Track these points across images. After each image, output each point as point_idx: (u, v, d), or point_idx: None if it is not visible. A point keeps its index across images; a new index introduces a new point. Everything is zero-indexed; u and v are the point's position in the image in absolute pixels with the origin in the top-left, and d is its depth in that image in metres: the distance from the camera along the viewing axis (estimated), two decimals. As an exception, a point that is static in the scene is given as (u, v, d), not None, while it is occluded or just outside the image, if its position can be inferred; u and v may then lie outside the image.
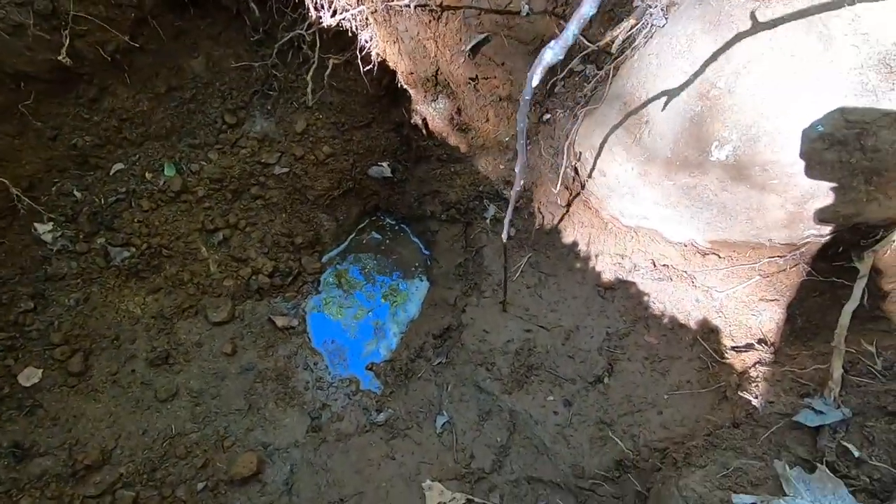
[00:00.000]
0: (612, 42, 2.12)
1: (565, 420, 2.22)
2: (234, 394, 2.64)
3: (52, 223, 2.68)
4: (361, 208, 3.22)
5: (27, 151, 2.57)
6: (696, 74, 1.68)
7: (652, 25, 1.91)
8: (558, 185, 2.41)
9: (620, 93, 2.05)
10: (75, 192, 2.73)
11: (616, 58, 2.15)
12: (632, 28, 2.03)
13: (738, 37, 1.55)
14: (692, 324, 2.24)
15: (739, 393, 1.85)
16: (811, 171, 1.59)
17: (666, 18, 1.87)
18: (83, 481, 2.29)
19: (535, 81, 1.39)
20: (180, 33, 2.82)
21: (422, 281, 3.15)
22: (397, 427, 2.55)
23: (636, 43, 2.01)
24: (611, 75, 2.14)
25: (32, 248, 2.63)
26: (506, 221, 2.01)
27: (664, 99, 1.83)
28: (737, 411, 1.82)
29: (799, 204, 1.66)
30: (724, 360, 2.07)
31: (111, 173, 2.81)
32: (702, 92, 1.69)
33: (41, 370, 2.48)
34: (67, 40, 2.39)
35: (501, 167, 2.75)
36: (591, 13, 1.13)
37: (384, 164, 3.09)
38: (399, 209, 3.23)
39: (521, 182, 1.82)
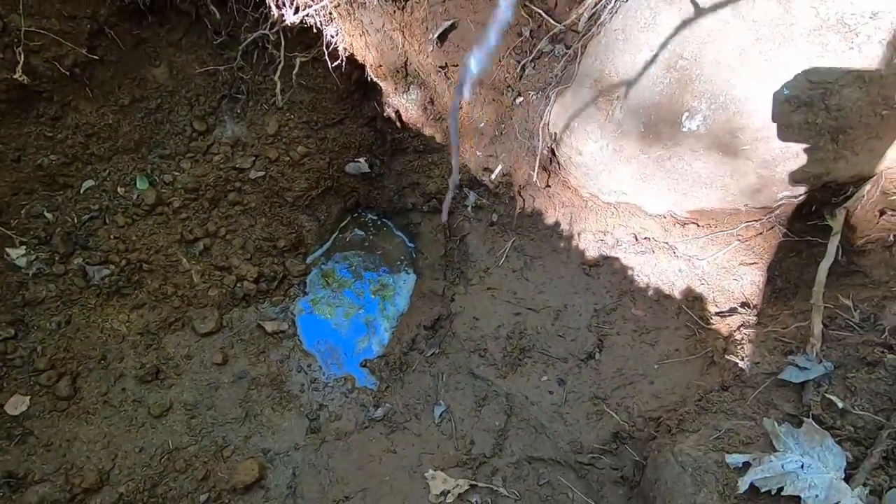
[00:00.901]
0: (578, 20, 2.12)
1: (560, 399, 2.25)
2: (229, 403, 2.62)
3: (24, 247, 2.62)
4: (342, 206, 3.20)
5: (-9, 175, 2.50)
6: (662, 47, 1.69)
7: (616, 0, 1.91)
8: (536, 167, 2.42)
9: (589, 71, 2.05)
10: (46, 214, 2.66)
11: (583, 36, 2.15)
12: (596, 4, 2.03)
13: (701, 7, 1.56)
14: (677, 293, 2.28)
15: (727, 357, 1.90)
16: (780, 134, 1.62)
17: (628, -7, 1.87)
18: (83, 505, 2.26)
19: (466, 93, 1.41)
20: (140, 42, 2.75)
21: (408, 274, 3.15)
22: (396, 421, 2.56)
23: (601, 19, 2.01)
24: (579, 54, 2.14)
25: (7, 273, 2.56)
26: (444, 206, 2.01)
27: (633, 74, 1.84)
28: (725, 375, 1.87)
29: (770, 167, 1.69)
30: (709, 326, 2.12)
31: (82, 191, 2.74)
32: (669, 64, 1.71)
33: (28, 397, 2.44)
34: (22, 57, 2.32)
35: (479, 154, 2.75)
36: (508, 17, 1.18)
37: (361, 159, 3.06)
38: (380, 204, 3.22)
39: (458, 177, 1.84)
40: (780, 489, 1.34)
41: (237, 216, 2.99)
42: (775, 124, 1.59)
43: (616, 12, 1.94)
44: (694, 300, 2.22)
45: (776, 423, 1.50)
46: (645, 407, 2.05)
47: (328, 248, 3.21)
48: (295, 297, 3.02)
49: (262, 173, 2.97)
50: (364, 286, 3.11)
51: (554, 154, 2.44)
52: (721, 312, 2.11)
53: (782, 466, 1.36)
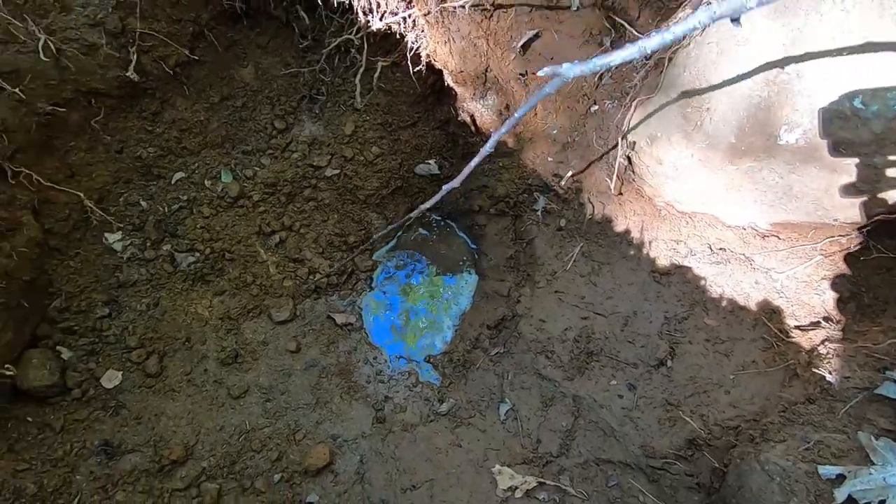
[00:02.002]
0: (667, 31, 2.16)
1: (631, 403, 2.28)
2: (301, 389, 2.74)
3: (121, 232, 2.81)
4: (409, 206, 3.30)
5: (97, 165, 2.69)
6: (762, 60, 1.72)
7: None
8: (613, 174, 2.46)
9: (677, 81, 2.09)
10: (141, 202, 2.85)
11: (671, 47, 2.19)
12: (688, 17, 2.06)
13: (807, 22, 1.59)
14: (752, 305, 2.29)
15: (812, 370, 1.90)
16: (887, 150, 1.62)
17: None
18: (170, 476, 2.41)
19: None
20: (232, 44, 2.92)
21: (471, 274, 3.23)
22: (460, 416, 2.64)
23: (693, 32, 2.05)
24: (666, 65, 2.18)
25: (104, 257, 2.75)
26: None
27: (727, 86, 1.87)
28: (810, 388, 1.86)
29: (871, 183, 1.69)
30: (789, 339, 2.11)
31: (173, 182, 2.92)
32: (768, 77, 1.73)
33: (121, 372, 2.61)
34: (135, 57, 2.50)
35: (550, 160, 2.80)
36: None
37: (431, 161, 3.16)
38: (445, 205, 3.30)
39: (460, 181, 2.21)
40: (882, 502, 1.35)
41: (311, 211, 3.13)
42: (883, 140, 1.60)
43: (710, 25, 1.97)
44: (771, 313, 2.22)
45: (872, 437, 1.50)
46: (721, 415, 2.07)
47: (393, 246, 3.31)
48: (362, 292, 3.13)
49: (336, 171, 3.10)
50: (427, 284, 3.20)
51: (630, 162, 2.48)
52: (801, 326, 2.11)
53: (884, 479, 1.37)
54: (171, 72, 2.68)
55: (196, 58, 2.75)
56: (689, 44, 2.11)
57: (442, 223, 3.38)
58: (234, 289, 2.89)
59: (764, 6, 1.49)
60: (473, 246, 3.29)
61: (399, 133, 3.13)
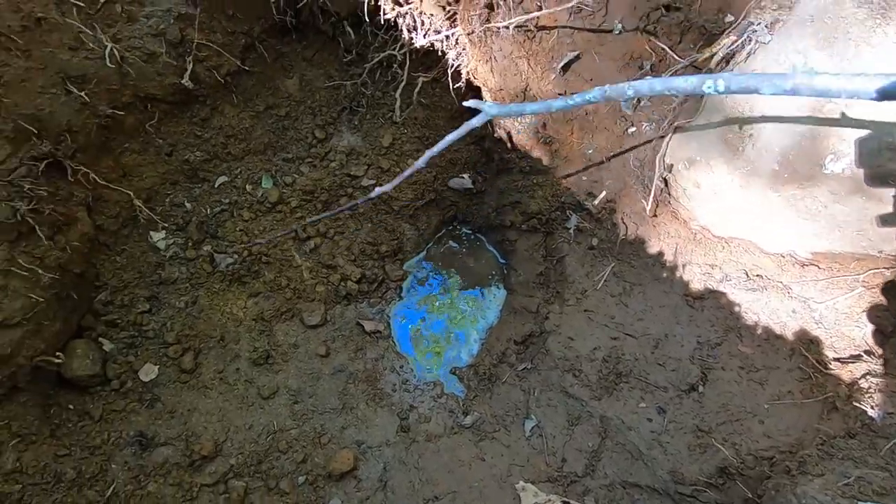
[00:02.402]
0: (711, 58, 2.18)
1: (660, 427, 2.25)
2: (328, 393, 2.78)
3: (165, 231, 2.92)
4: (440, 218, 3.35)
5: (147, 166, 2.82)
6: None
7: (756, 42, 1.96)
8: (650, 196, 2.47)
9: (720, 107, 2.10)
10: (186, 203, 2.96)
11: (712, 73, 2.20)
12: (732, 44, 2.09)
13: (858, 52, 1.59)
14: (789, 334, 2.25)
15: (852, 404, 1.86)
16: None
17: (771, 35, 1.92)
18: (200, 470, 2.47)
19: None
20: (279, 56, 3.04)
21: (499, 289, 3.25)
22: (485, 430, 2.64)
23: (737, 59, 2.06)
24: (707, 90, 2.19)
25: (148, 254, 2.86)
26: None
27: (771, 113, 1.87)
28: (851, 422, 1.82)
29: (920, 215, 1.67)
30: (828, 371, 2.07)
31: (216, 185, 3.03)
32: (815, 107, 1.73)
33: (158, 367, 2.69)
34: (191, 66, 2.63)
35: (584, 179, 2.82)
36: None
37: (465, 175, 3.21)
38: (476, 219, 3.35)
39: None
40: (928, 543, 1.31)
41: (346, 219, 3.20)
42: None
43: (754, 53, 1.99)
44: (809, 343, 2.18)
45: (917, 477, 1.46)
46: (755, 445, 2.03)
47: (423, 257, 3.36)
48: (391, 301, 3.18)
49: (373, 181, 3.17)
50: (455, 296, 3.23)
51: (667, 184, 2.49)
52: (841, 358, 2.06)
53: (930, 520, 1.33)
54: (223, 80, 2.81)
55: (246, 68, 2.88)
56: (731, 70, 2.12)
57: (472, 237, 3.42)
58: (268, 291, 2.97)
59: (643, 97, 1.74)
60: (503, 261, 3.31)
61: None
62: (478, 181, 3.22)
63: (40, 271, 2.28)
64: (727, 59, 2.15)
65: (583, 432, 2.42)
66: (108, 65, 2.38)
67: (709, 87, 1.46)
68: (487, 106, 1.98)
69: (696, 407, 2.24)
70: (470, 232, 3.43)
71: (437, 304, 3.21)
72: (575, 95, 1.88)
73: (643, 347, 2.49)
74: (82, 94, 2.36)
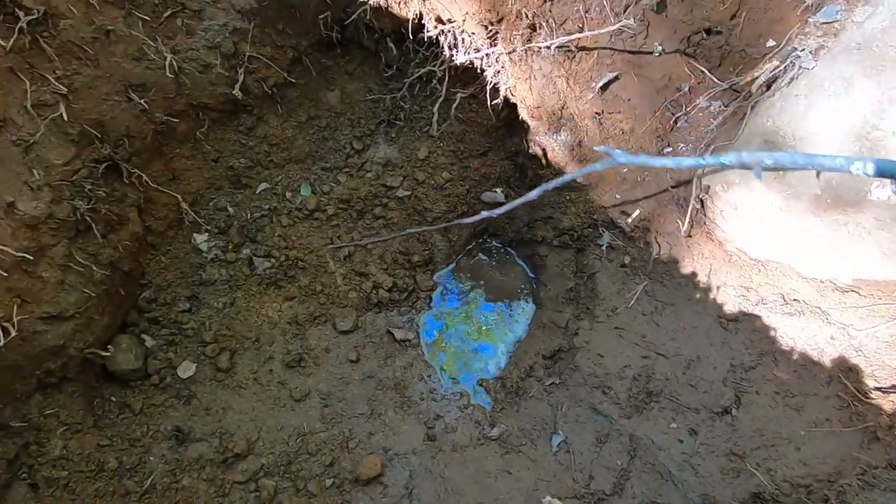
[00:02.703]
0: (752, 82, 2.20)
1: (692, 448, 2.23)
2: (357, 398, 2.83)
3: (207, 234, 3.04)
4: (471, 231, 3.40)
5: (195, 171, 2.95)
6: (855, 116, 1.73)
7: (800, 67, 1.98)
8: (686, 218, 2.48)
9: (760, 130, 2.11)
10: (228, 208, 3.07)
11: (753, 96, 2.22)
12: (775, 69, 2.10)
13: (907, 82, 1.60)
14: (827, 361, 2.22)
15: (895, 434, 1.82)
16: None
17: (815, 62, 1.94)
18: (232, 468, 2.53)
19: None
20: (323, 69, 3.16)
21: (527, 303, 3.27)
22: (511, 442, 2.65)
23: (779, 83, 2.08)
24: (748, 114, 2.21)
25: (191, 255, 2.98)
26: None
27: (813, 138, 1.88)
28: (893, 453, 1.79)
29: (969, 245, 1.65)
30: (868, 400, 2.04)
31: (257, 192, 3.14)
32: (861, 133, 1.74)
33: (195, 364, 2.78)
34: (242, 77, 2.75)
35: (618, 197, 2.85)
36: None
37: (498, 190, 3.27)
38: (507, 233, 3.39)
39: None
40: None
41: (380, 228, 3.28)
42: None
43: (797, 78, 2.00)
44: (848, 371, 2.15)
45: (965, 512, 1.43)
46: (791, 472, 2.00)
47: (453, 268, 3.40)
48: (421, 310, 3.23)
49: (408, 193, 3.24)
50: (483, 308, 3.26)
51: (703, 205, 2.49)
52: (882, 388, 2.03)
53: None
54: (269, 92, 2.93)
55: (292, 80, 2.99)
56: (773, 94, 2.14)
57: (502, 250, 3.46)
58: (303, 295, 3.05)
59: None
60: (532, 275, 3.34)
61: (469, 161, 3.26)
62: (510, 195, 3.27)
63: (94, 268, 2.40)
64: (769, 83, 2.17)
65: (611, 450, 2.41)
66: (167, 75, 2.51)
67: (857, 169, 1.40)
68: (617, 154, 2.07)
69: (729, 430, 2.22)
70: (500, 245, 3.47)
71: (465, 315, 3.24)
72: (709, 157, 1.98)
73: (675, 367, 2.49)
74: (142, 101, 2.49)
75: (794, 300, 2.31)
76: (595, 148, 2.15)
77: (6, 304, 2.05)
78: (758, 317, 2.41)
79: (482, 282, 3.35)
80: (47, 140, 2.20)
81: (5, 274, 2.01)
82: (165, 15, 2.48)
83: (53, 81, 2.20)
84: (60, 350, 2.30)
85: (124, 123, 2.49)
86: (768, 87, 2.19)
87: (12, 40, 2.03)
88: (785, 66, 2.06)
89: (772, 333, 2.37)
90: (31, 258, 2.12)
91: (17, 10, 2.04)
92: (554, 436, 2.58)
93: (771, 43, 2.31)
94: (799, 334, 2.30)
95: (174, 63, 2.52)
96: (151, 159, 2.73)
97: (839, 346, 2.21)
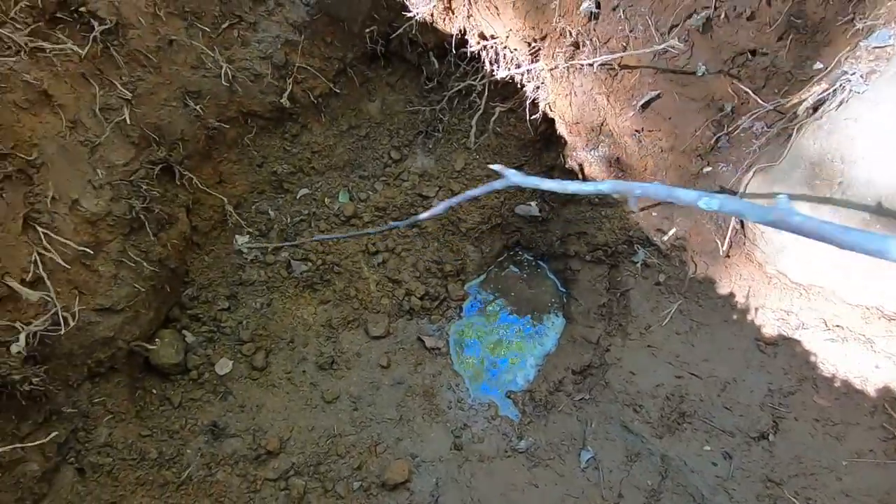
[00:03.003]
0: (799, 104, 2.19)
1: (726, 472, 2.20)
2: (387, 404, 2.87)
3: (248, 236, 3.14)
4: (504, 243, 3.43)
5: (241, 175, 3.06)
6: (908, 141, 1.71)
7: (850, 91, 1.96)
8: (725, 238, 2.46)
9: (806, 153, 2.10)
10: (270, 212, 3.18)
11: (800, 119, 2.21)
12: (823, 92, 2.09)
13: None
14: (871, 390, 2.16)
15: (945, 469, 1.76)
16: None
17: (866, 86, 1.92)
18: (264, 465, 2.59)
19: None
20: (366, 80, 3.25)
21: (557, 317, 3.27)
22: (539, 456, 2.64)
23: (827, 107, 2.07)
24: (793, 135, 2.19)
25: (232, 256, 3.08)
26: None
27: (864, 161, 1.86)
28: (942, 488, 1.73)
29: None
30: (915, 433, 1.98)
31: (298, 197, 3.24)
32: (915, 158, 1.71)
33: (232, 362, 2.87)
34: (290, 86, 2.86)
35: (654, 214, 2.84)
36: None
37: (532, 203, 3.29)
38: (539, 246, 3.40)
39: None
40: None
41: (414, 237, 3.33)
42: None
43: (847, 102, 1.99)
44: (894, 401, 2.09)
45: None
46: (832, 503, 1.95)
47: (484, 279, 3.43)
48: (451, 319, 3.26)
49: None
50: (513, 320, 3.28)
51: (743, 226, 2.47)
52: (931, 421, 1.97)
53: None
54: (315, 101, 3.03)
55: (336, 90, 3.10)
56: (820, 117, 2.12)
57: (534, 263, 3.47)
58: (337, 300, 3.12)
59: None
60: (563, 289, 3.34)
61: (505, 173, 3.29)
62: (544, 209, 3.29)
63: (144, 264, 2.52)
64: (816, 106, 2.15)
65: (642, 469, 2.39)
66: (222, 83, 2.63)
67: (705, 204, 1.68)
68: (510, 174, 2.30)
69: (765, 456, 2.18)
70: (532, 258, 3.48)
71: (495, 326, 3.26)
72: (588, 183, 2.26)
73: (709, 389, 2.45)
74: (197, 107, 2.62)
75: (837, 326, 2.27)
76: (490, 166, 2.43)
77: (66, 294, 2.17)
78: (798, 341, 2.37)
79: (513, 294, 3.37)
80: (111, 142, 2.33)
81: (68, 266, 2.12)
82: (224, 26, 2.61)
83: (120, 87, 2.33)
84: (110, 341, 2.41)
85: (180, 128, 2.62)
86: (815, 110, 2.17)
87: (87, 48, 2.17)
88: (834, 90, 2.04)
89: (812, 359, 2.32)
90: (91, 252, 2.24)
91: (92, 20, 2.18)
92: (583, 451, 2.56)
93: (818, 66, 2.29)
94: (841, 361, 2.25)
95: (229, 72, 2.64)
96: (202, 162, 2.86)
97: (885, 375, 2.15)
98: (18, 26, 2.00)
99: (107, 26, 2.21)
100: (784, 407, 2.27)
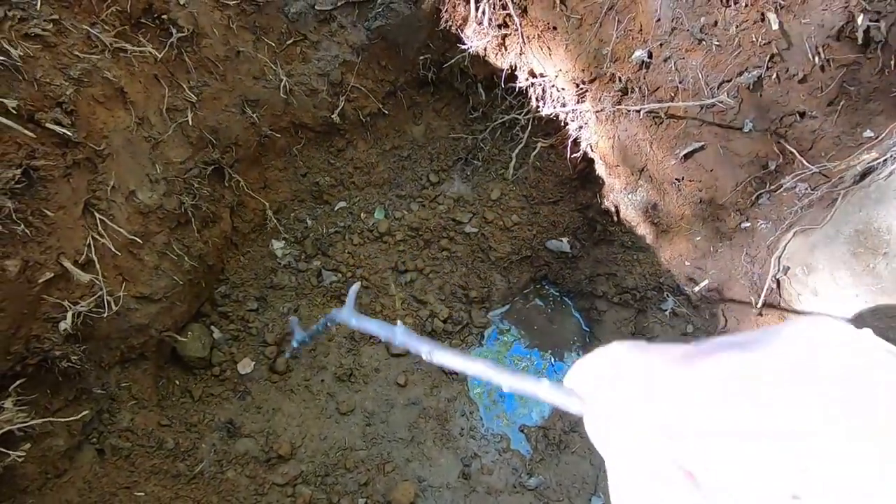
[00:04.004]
0: (847, 170, 2.18)
1: (742, 539, 2.12)
2: (399, 423, 2.87)
3: (284, 242, 3.23)
4: (532, 275, 3.44)
5: (284, 183, 3.18)
6: (960, 220, 1.69)
7: (900, 163, 1.95)
8: (761, 296, 2.43)
9: (850, 219, 2.08)
10: (307, 220, 3.27)
11: (846, 184, 2.19)
12: (873, 161, 2.08)
13: None
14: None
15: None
16: None
17: (919, 159, 1.91)
18: (273, 469, 2.61)
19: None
20: (413, 104, 3.36)
21: (579, 356, 3.23)
22: (548, 496, 2.59)
23: (875, 175, 2.05)
24: (839, 200, 2.18)
25: (266, 259, 3.17)
26: None
27: (912, 235, 1.83)
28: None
29: None
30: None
31: (335, 209, 3.34)
32: (966, 238, 1.68)
33: (254, 363, 2.93)
34: (342, 104, 2.98)
35: (687, 263, 2.82)
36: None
37: (564, 239, 3.31)
38: (566, 283, 3.40)
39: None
40: None
41: (443, 260, 3.38)
42: None
43: (894, 174, 1.97)
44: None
45: None
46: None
47: (508, 309, 3.44)
48: (471, 346, 3.26)
49: (475, 230, 3.35)
50: (534, 353, 3.26)
51: (779, 285, 2.44)
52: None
53: None
54: (363, 119, 3.15)
55: (385, 111, 3.21)
56: (868, 185, 2.11)
57: (559, 299, 3.47)
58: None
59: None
60: (586, 328, 3.32)
61: (540, 207, 3.34)
62: (575, 246, 3.30)
63: (186, 258, 2.61)
64: (864, 174, 2.14)
65: (653, 524, 2.32)
66: (280, 95, 2.77)
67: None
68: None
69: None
70: (558, 294, 3.48)
71: (514, 357, 3.25)
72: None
73: (731, 448, 2.38)
74: (253, 115, 2.75)
75: (871, 399, 2.19)
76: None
77: (112, 279, 2.27)
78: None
79: (536, 327, 3.36)
80: (172, 140, 2.46)
81: (118, 253, 2.23)
82: (288, 42, 2.76)
83: (187, 90, 2.48)
84: (145, 329, 2.49)
85: (235, 133, 2.75)
86: (863, 177, 2.16)
87: (163, 52, 2.32)
88: (885, 160, 2.03)
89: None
90: (139, 242, 2.35)
91: (171, 27, 2.34)
92: (594, 497, 2.51)
93: (868, 133, 2.29)
94: (873, 437, 2.17)
95: (287, 85, 2.78)
96: (250, 167, 2.98)
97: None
98: (106, 27, 2.16)
99: (183, 34, 2.36)
100: (809, 477, 2.19)
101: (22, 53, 1.81)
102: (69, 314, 1.97)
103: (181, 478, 2.40)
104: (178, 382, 2.76)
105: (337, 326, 3.06)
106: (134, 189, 2.34)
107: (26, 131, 1.83)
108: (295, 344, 1.44)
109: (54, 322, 1.98)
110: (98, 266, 2.17)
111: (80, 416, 2.10)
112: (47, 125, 1.91)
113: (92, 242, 2.15)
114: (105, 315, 2.14)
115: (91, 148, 2.13)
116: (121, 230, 2.27)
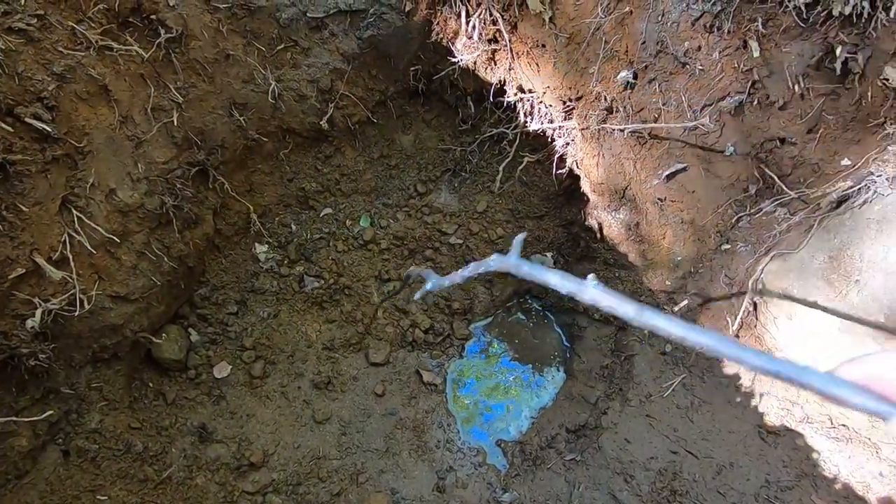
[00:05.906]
0: (823, 196, 2.21)
1: (712, 562, 2.11)
2: (375, 433, 2.84)
3: (267, 246, 3.22)
4: (514, 289, 3.44)
5: (269, 187, 3.17)
6: (929, 250, 1.71)
7: (875, 192, 1.98)
8: (737, 318, 2.45)
9: (826, 246, 2.10)
10: (292, 225, 3.26)
11: (822, 211, 2.23)
12: (849, 189, 2.11)
13: None
14: (873, 499, 2.08)
15: None
16: None
17: (892, 189, 1.94)
18: (244, 477, 2.57)
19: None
20: (403, 114, 3.38)
21: (559, 371, 3.23)
22: (521, 513, 2.57)
23: (851, 203, 2.08)
24: (815, 226, 2.21)
25: (249, 262, 3.15)
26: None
27: (885, 265, 1.86)
28: None
29: None
30: (915, 552, 1.88)
31: (320, 215, 3.33)
32: (934, 268, 1.71)
33: (231, 367, 2.89)
34: (331, 111, 2.99)
35: (668, 283, 2.84)
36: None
37: (548, 254, 3.32)
38: (549, 297, 3.41)
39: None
40: None
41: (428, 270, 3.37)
42: None
43: (871, 202, 2.00)
44: (896, 514, 2.00)
45: None
46: None
47: (490, 322, 3.43)
48: (452, 357, 3.25)
49: (460, 241, 3.35)
50: (514, 367, 3.25)
51: (755, 308, 2.46)
52: (933, 541, 1.88)
53: None
54: (351, 127, 3.15)
55: (374, 120, 3.22)
56: (843, 213, 2.14)
57: (541, 313, 3.47)
58: (343, 321, 3.14)
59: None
60: (567, 344, 3.32)
61: (525, 221, 3.35)
62: (559, 262, 3.31)
63: (165, 259, 2.59)
64: (840, 201, 2.17)
65: (624, 544, 2.30)
66: (268, 99, 2.77)
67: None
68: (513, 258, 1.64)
69: (755, 550, 2.09)
70: (540, 308, 3.48)
71: (495, 370, 3.23)
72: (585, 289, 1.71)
73: (704, 470, 2.39)
74: (241, 118, 2.74)
75: (843, 425, 2.21)
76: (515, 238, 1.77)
77: (86, 278, 2.24)
78: (801, 434, 2.31)
79: (517, 341, 3.36)
80: (156, 140, 2.45)
81: (93, 251, 2.20)
82: (279, 48, 2.76)
83: (173, 91, 2.47)
84: (119, 329, 2.45)
85: (221, 135, 2.74)
86: (839, 205, 2.19)
87: (150, 52, 2.32)
88: (859, 188, 2.07)
89: (814, 455, 2.25)
90: (117, 241, 2.32)
91: (160, 27, 2.33)
92: (566, 515, 2.49)
93: (846, 162, 2.32)
94: (844, 463, 2.18)
95: (276, 90, 2.78)
96: (235, 170, 2.97)
97: (888, 485, 2.07)
98: (93, 25, 2.16)
99: (172, 35, 2.36)
100: (780, 501, 2.19)
101: (3, 47, 1.80)
102: (38, 311, 1.93)
103: (148, 482, 2.35)
104: (151, 384, 2.72)
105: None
106: (114, 187, 2.32)
107: (3, 125, 1.81)
108: (429, 286, 1.45)
109: (23, 319, 1.94)
110: (73, 264, 2.14)
111: (45, 415, 2.05)
112: (26, 119, 1.90)
113: (68, 239, 2.12)
114: (77, 313, 2.11)
115: (71, 144, 2.11)
116: (98, 228, 2.25)
